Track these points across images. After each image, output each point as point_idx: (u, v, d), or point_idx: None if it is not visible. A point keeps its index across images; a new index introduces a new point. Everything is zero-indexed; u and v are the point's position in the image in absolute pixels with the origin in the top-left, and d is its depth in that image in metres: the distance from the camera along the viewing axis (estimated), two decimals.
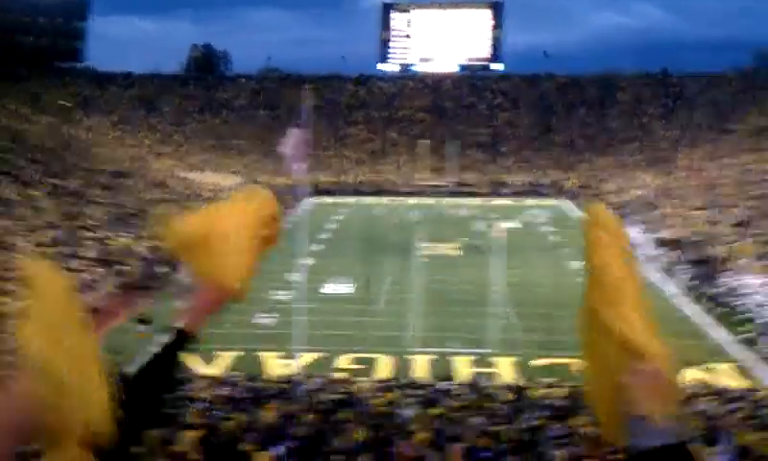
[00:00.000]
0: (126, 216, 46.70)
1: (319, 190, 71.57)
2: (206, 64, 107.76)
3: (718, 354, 27.63)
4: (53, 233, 39.07)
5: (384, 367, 26.88)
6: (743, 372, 25.95)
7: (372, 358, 27.61)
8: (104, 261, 36.88)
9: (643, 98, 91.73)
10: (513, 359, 27.41)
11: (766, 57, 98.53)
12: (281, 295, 35.73)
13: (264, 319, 32.68)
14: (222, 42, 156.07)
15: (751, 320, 30.37)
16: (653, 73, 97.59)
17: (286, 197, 64.68)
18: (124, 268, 37.16)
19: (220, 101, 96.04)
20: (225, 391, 21.41)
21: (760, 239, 41.52)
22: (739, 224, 46.16)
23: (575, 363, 26.92)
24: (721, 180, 57.55)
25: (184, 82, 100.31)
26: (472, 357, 27.80)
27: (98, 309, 31.00)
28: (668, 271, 40.90)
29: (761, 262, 37.87)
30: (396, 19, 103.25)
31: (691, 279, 37.68)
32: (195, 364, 26.65)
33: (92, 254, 37.56)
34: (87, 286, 32.68)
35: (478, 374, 25.49)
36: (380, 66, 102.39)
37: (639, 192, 62.31)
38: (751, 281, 34.98)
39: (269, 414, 17.50)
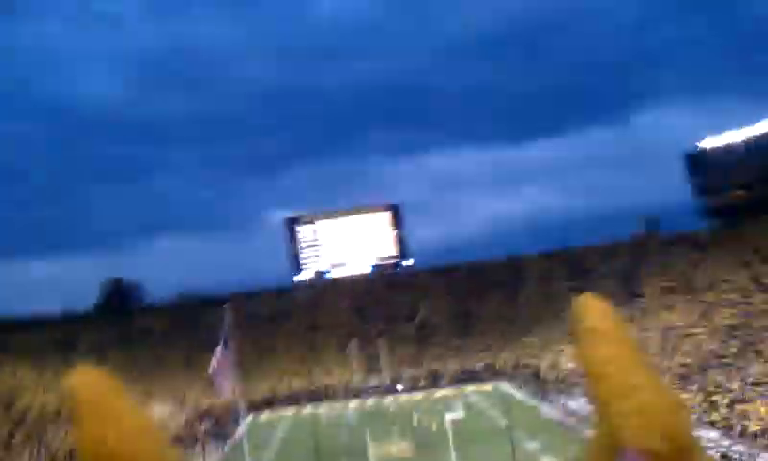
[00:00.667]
0: None
1: (255, 406, 70.05)
2: (120, 298, 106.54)
3: None
4: None
5: None
6: None
7: None
8: None
9: (551, 275, 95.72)
10: None
11: (655, 222, 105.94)
12: None
13: None
14: (132, 273, 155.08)
15: None
16: (553, 251, 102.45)
17: (223, 419, 63.02)
18: None
19: (138, 332, 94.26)
20: None
21: (705, 390, 43.08)
22: (682, 378, 47.86)
23: None
24: (646, 342, 59.93)
25: (99, 318, 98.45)
26: None
27: None
28: None
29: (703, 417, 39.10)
30: (302, 231, 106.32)
31: None
32: None
33: None
34: None
35: None
36: (296, 278, 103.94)
37: (572, 365, 63.74)
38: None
39: None
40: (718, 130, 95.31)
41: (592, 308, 1.62)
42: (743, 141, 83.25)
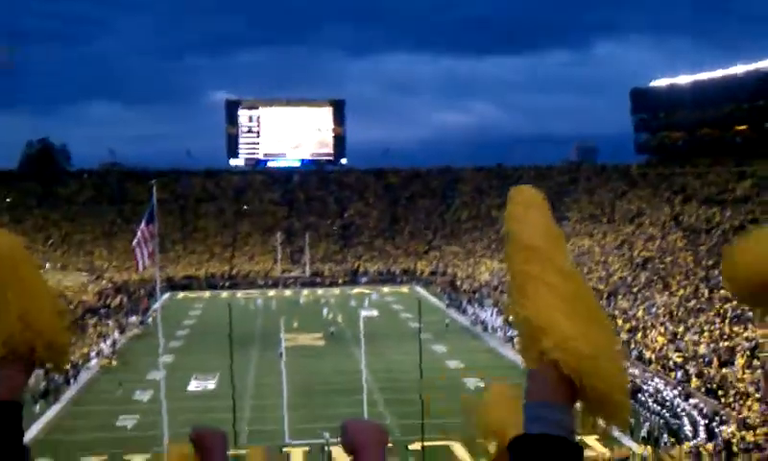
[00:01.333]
0: None
1: (172, 285, 69.81)
2: (44, 159, 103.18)
3: None
4: None
5: None
6: (607, 438, 27.60)
7: (244, 454, 26.92)
8: None
9: (482, 189, 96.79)
10: (390, 446, 27.64)
11: (588, 150, 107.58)
12: (144, 395, 34.50)
13: (127, 421, 31.31)
14: (60, 138, 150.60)
15: None
16: (489, 166, 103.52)
17: (140, 293, 62.71)
18: None
19: (60, 196, 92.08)
20: None
21: (610, 315, 44.50)
22: None
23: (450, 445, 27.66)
24: None
25: (20, 177, 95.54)
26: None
27: None
28: None
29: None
30: (243, 115, 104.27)
31: None
32: None
33: None
34: None
35: None
36: (232, 161, 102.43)
37: (488, 277, 65.27)
38: None
39: None
40: (674, 71, 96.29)
41: (527, 198, 1.56)
42: (690, 83, 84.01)
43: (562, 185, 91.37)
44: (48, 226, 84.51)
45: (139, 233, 28.31)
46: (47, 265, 66.22)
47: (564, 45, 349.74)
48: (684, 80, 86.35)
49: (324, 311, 57.84)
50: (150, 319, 53.42)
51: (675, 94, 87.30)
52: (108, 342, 46.60)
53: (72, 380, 37.59)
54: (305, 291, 69.23)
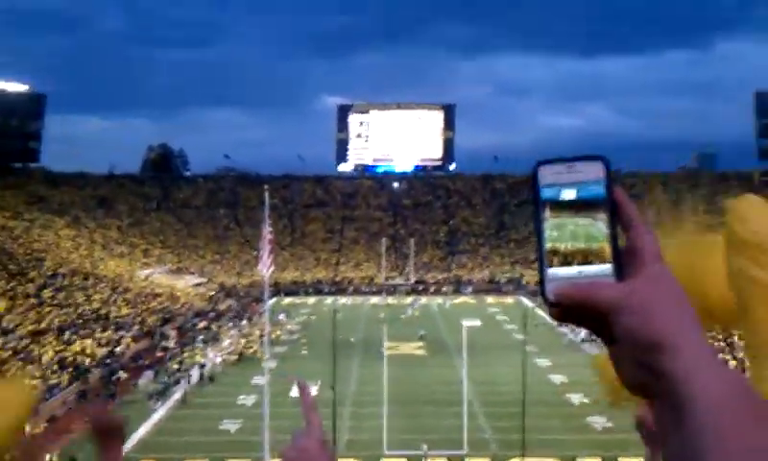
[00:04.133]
0: (85, 320, 45.65)
1: (279, 290, 71.20)
2: (163, 164, 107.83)
3: None
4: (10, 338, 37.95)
5: None
6: None
7: None
8: (63, 367, 35.84)
9: None
10: (488, 460, 27.15)
11: (707, 156, 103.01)
12: (248, 400, 35.20)
13: (231, 424, 31.96)
14: (178, 142, 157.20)
15: None
16: None
17: (247, 299, 64.30)
18: (85, 373, 36.18)
19: (177, 201, 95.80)
20: None
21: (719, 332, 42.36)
22: None
23: None
24: None
25: (141, 181, 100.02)
26: (446, 459, 27.44)
27: (57, 417, 30.01)
28: None
29: (722, 355, 38.55)
30: (353, 120, 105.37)
31: None
32: None
33: (51, 358, 36.50)
34: (47, 391, 31.67)
35: None
36: (340, 167, 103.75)
37: None
38: None
39: None
40: None
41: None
42: None
43: (679, 193, 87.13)
44: (165, 229, 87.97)
45: (264, 237, 29.00)
46: (161, 269, 68.79)
47: (683, 45, 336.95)
48: None
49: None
50: (255, 323, 54.43)
51: None
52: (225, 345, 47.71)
53: (183, 381, 38.78)
54: (409, 299, 69.16)
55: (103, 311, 48.20)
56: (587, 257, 0.82)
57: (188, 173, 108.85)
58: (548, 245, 0.84)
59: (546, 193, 0.85)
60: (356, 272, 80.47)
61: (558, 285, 0.81)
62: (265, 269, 29.16)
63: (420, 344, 49.30)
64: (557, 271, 0.83)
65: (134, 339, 44.49)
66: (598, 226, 0.83)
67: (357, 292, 74.50)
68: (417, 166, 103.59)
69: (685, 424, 0.70)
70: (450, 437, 28.60)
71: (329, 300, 69.63)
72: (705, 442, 0.68)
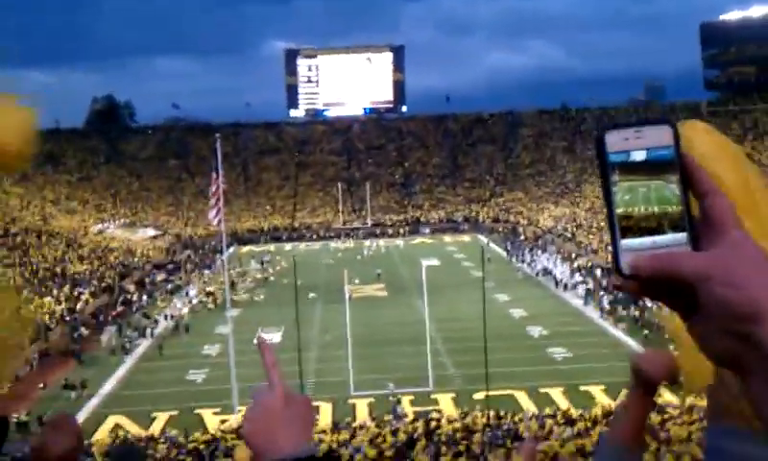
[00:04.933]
0: (41, 278, 44.96)
1: (237, 239, 70.87)
2: (109, 116, 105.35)
3: None
4: None
5: (324, 413, 26.70)
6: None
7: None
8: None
9: (545, 133, 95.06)
10: (453, 395, 27.80)
11: (656, 89, 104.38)
12: (212, 349, 35.32)
13: (197, 375, 32.10)
14: (123, 93, 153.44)
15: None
16: (552, 108, 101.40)
17: (205, 249, 63.93)
18: (46, 332, 35.80)
19: (126, 153, 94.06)
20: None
21: None
22: None
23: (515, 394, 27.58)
24: None
25: (87, 135, 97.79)
26: (412, 396, 27.99)
27: (21, 377, 29.73)
28: (587, 296, 42.43)
29: None
30: (302, 65, 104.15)
31: (610, 303, 39.09)
32: (132, 427, 26.06)
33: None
34: None
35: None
36: (291, 113, 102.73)
37: (551, 223, 64.37)
38: None
39: None
40: (745, 3, 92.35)
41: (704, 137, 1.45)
42: (763, 16, 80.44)
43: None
44: (116, 182, 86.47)
45: (213, 188, 28.82)
46: (115, 223, 67.84)
47: None
48: (756, 12, 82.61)
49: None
50: (216, 272, 54.29)
51: (746, 27, 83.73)
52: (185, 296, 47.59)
53: (148, 334, 38.73)
54: (367, 242, 69.48)
55: (59, 268, 47.50)
56: (661, 225, 0.80)
57: (136, 124, 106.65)
58: (620, 210, 0.81)
59: (614, 158, 0.83)
60: (313, 217, 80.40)
61: (635, 256, 0.79)
62: (215, 219, 29.08)
63: (382, 285, 49.77)
64: (631, 242, 0.80)
65: (93, 295, 44.02)
66: (671, 189, 0.81)
67: (315, 237, 74.57)
68: (368, 109, 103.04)
69: None
70: (415, 375, 29.16)
71: (288, 246, 69.64)
72: None
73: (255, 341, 1.54)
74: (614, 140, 0.83)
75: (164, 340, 37.76)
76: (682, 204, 0.81)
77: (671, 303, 0.80)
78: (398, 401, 27.05)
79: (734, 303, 0.73)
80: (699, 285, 0.75)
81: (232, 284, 50.99)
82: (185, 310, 43.84)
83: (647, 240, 0.80)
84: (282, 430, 1.26)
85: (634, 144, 0.83)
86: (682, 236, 0.80)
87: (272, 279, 53.89)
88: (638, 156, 0.82)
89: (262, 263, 58.06)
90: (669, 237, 0.80)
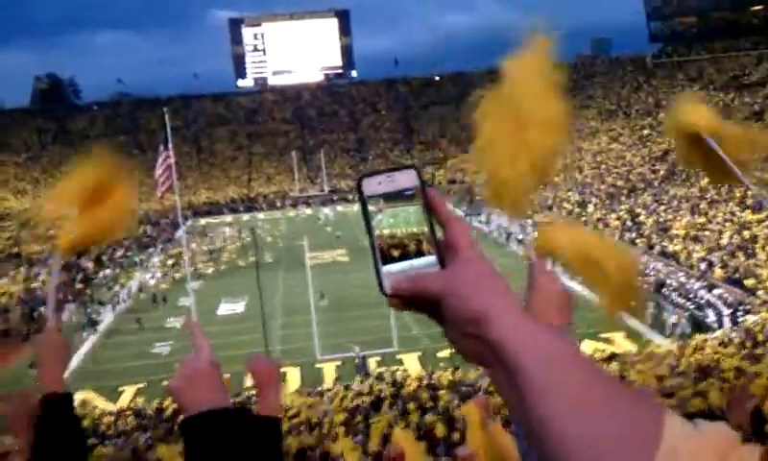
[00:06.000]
0: None
1: (194, 212, 70.33)
2: (54, 94, 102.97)
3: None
4: None
5: (292, 379, 27.03)
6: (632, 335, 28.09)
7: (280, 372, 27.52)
8: None
9: None
10: (419, 354, 28.31)
11: (602, 42, 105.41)
12: (176, 322, 35.23)
13: (162, 348, 32.10)
14: (66, 71, 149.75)
15: None
16: (500, 67, 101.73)
17: (162, 223, 63.34)
18: (4, 313, 35.43)
19: (74, 131, 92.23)
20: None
21: (623, 214, 44.76)
22: (607, 201, 49.46)
23: None
24: (580, 163, 61.16)
25: (32, 114, 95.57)
26: (378, 358, 28.45)
27: None
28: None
29: (627, 235, 40.86)
30: (247, 34, 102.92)
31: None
32: (102, 402, 26.08)
33: None
34: None
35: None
36: (240, 82, 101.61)
37: None
38: None
39: None
40: None
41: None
42: None
43: (576, 82, 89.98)
44: (65, 161, 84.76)
45: (159, 160, 28.62)
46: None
47: None
48: None
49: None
50: (175, 246, 53.96)
51: None
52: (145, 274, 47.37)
53: (109, 310, 38.60)
54: (325, 209, 69.57)
55: (14, 250, 46.77)
56: (414, 251, 0.94)
57: (81, 101, 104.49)
58: (379, 243, 0.95)
59: (371, 201, 0.96)
60: (269, 187, 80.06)
61: (393, 279, 0.92)
62: (159, 191, 28.98)
63: (342, 251, 50.04)
64: (390, 267, 0.94)
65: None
66: (419, 223, 0.96)
67: (272, 207, 74.34)
68: (321, 77, 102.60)
69: (514, 384, 0.82)
70: (380, 337, 29.61)
71: (246, 217, 69.35)
72: (529, 397, 0.80)
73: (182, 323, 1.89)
74: (370, 185, 0.96)
75: (141, 313, 37.66)
76: (428, 232, 0.94)
77: (430, 314, 0.92)
78: (364, 363, 27.49)
79: (464, 312, 0.87)
80: (440, 299, 0.88)
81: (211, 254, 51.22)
82: (153, 281, 43.96)
83: (405, 264, 0.93)
84: (203, 389, 1.50)
85: (385, 188, 0.96)
86: (432, 259, 0.93)
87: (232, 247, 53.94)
88: (390, 199, 0.96)
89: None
90: (423, 260, 0.94)
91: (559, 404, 0.78)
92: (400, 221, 0.97)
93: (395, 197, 0.96)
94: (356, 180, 0.97)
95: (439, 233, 0.95)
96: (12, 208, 58.59)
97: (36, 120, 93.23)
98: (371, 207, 0.96)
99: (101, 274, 46.49)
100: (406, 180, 0.97)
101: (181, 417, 1.49)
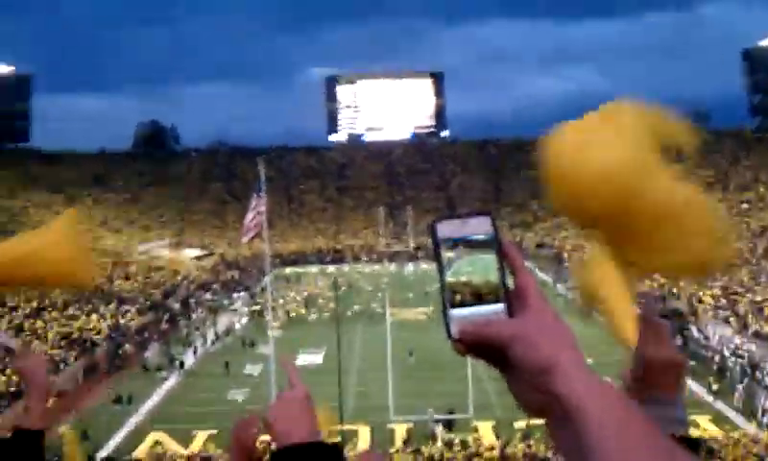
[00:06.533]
0: (87, 296, 45.77)
1: (282, 261, 71.32)
2: (155, 140, 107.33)
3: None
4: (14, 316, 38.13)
5: (362, 437, 26.66)
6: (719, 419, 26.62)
7: (352, 430, 27.22)
8: (71, 342, 36.09)
9: None
10: (493, 422, 27.52)
11: (704, 116, 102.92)
12: (254, 369, 35.50)
13: (238, 394, 32.31)
14: (168, 118, 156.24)
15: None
16: None
17: (249, 270, 64.49)
18: (91, 348, 36.46)
19: (172, 176, 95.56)
20: None
21: (719, 291, 42.95)
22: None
23: None
24: None
25: (134, 157, 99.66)
26: (451, 422, 27.82)
27: (66, 392, 30.29)
28: None
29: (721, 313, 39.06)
30: (342, 91, 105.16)
31: None
32: (174, 445, 26.29)
33: (58, 335, 36.74)
34: (56, 367, 31.93)
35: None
36: (331, 138, 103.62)
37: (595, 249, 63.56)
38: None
39: None
40: None
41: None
42: None
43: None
44: (161, 204, 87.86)
45: (251, 205, 29.25)
46: (160, 242, 68.81)
47: (666, 6, 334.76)
48: None
49: (433, 286, 58.77)
50: (259, 294, 54.64)
51: None
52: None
53: (192, 353, 39.25)
54: (410, 266, 69.45)
55: (105, 287, 48.34)
56: (483, 297, 0.94)
57: (180, 147, 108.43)
58: (449, 287, 0.94)
59: (444, 246, 0.96)
60: (355, 240, 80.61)
61: (460, 323, 0.92)
62: (246, 237, 29.40)
63: (423, 309, 49.62)
64: (458, 311, 0.93)
65: (139, 313, 44.70)
66: (491, 271, 0.95)
67: (357, 260, 74.67)
68: (410, 134, 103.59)
69: (575, 439, 0.82)
70: (456, 401, 28.96)
71: (331, 268, 69.80)
72: (591, 453, 0.80)
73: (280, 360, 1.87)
74: (444, 229, 0.97)
75: (228, 356, 38.17)
76: (500, 279, 0.94)
77: (494, 362, 0.93)
78: (433, 432, 26.88)
79: (532, 361, 0.87)
80: (507, 347, 0.89)
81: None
82: (239, 325, 44.82)
83: (473, 310, 0.93)
84: (297, 421, 1.50)
85: (459, 232, 0.96)
86: (500, 306, 0.93)
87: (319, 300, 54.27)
88: (464, 244, 0.96)
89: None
90: (491, 307, 0.93)
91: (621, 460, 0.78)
92: (473, 268, 0.95)
93: (469, 243, 0.96)
94: (431, 223, 0.97)
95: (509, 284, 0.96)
96: (107, 246, 60.74)
97: (136, 163, 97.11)
98: (444, 252, 0.96)
99: (188, 316, 47.47)
100: (480, 226, 0.97)
101: (274, 446, 1.49)
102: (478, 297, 0.94)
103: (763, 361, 32.56)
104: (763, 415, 27.59)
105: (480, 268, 0.95)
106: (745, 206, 62.92)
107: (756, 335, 36.16)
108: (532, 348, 0.89)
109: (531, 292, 0.94)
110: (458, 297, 0.94)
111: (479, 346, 0.92)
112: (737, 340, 35.46)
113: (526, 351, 0.89)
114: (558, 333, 0.91)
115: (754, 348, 34.33)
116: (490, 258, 0.95)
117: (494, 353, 0.92)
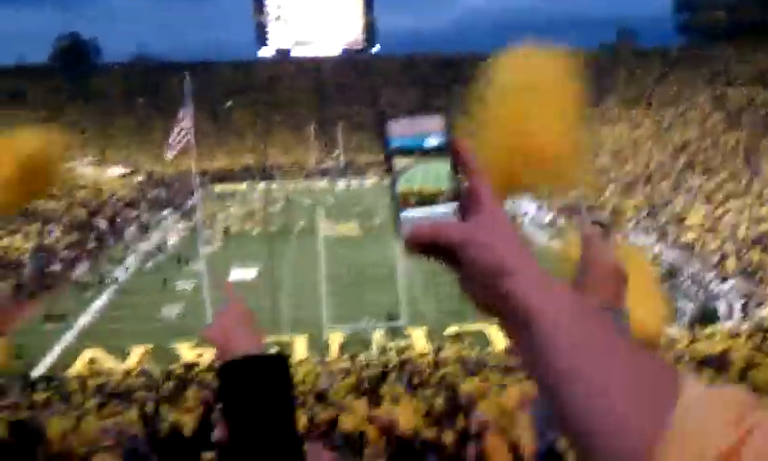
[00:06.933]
0: (10, 217, 44.52)
1: (210, 178, 70.35)
2: (75, 54, 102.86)
3: None
4: None
5: (299, 347, 27.09)
6: None
7: (287, 342, 27.57)
8: None
9: None
10: (426, 329, 28.30)
11: (630, 33, 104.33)
12: (187, 285, 35.40)
13: (171, 310, 32.26)
14: (88, 31, 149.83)
15: None
16: None
17: (176, 187, 63.49)
18: (17, 268, 35.68)
19: (93, 91, 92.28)
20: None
21: (640, 202, 44.41)
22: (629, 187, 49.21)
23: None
24: (599, 151, 60.83)
25: (52, 72, 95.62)
26: (383, 331, 28.48)
27: None
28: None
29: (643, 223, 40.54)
30: (270, 3, 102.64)
31: None
32: (110, 361, 26.25)
33: None
34: None
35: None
36: (260, 52, 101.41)
37: None
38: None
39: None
40: None
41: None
42: None
43: (599, 70, 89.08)
44: (82, 121, 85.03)
45: (177, 123, 28.72)
46: (83, 160, 67.00)
47: None
48: None
49: (364, 201, 59.47)
50: (188, 212, 54.10)
51: None
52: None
53: (124, 270, 38.89)
54: (341, 182, 69.50)
55: (27, 206, 46.96)
56: (434, 199, 0.91)
57: (102, 62, 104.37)
58: (400, 188, 0.91)
59: (395, 143, 0.93)
60: (285, 157, 79.94)
61: (411, 226, 0.89)
62: (171, 152, 29.06)
63: (354, 225, 49.96)
64: (409, 212, 0.90)
65: (64, 232, 43.75)
66: (444, 177, 0.91)
67: (287, 176, 74.24)
68: (342, 51, 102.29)
69: (530, 339, 0.82)
70: (389, 310, 29.60)
71: (261, 185, 69.25)
72: (546, 352, 0.80)
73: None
74: (395, 127, 0.94)
75: (161, 273, 37.93)
76: (452, 181, 0.92)
77: (447, 263, 0.90)
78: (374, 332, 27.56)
79: (484, 263, 0.86)
80: (458, 249, 0.87)
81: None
82: (171, 242, 44.42)
83: (425, 211, 0.90)
84: (239, 334, 1.53)
85: (411, 131, 0.94)
86: (451, 208, 0.91)
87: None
88: (414, 144, 0.93)
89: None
90: (441, 209, 0.90)
91: (577, 357, 0.78)
92: (426, 175, 0.92)
93: (423, 150, 0.93)
94: (380, 116, 0.95)
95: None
96: None
97: (55, 78, 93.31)
98: (396, 159, 0.93)
99: (116, 233, 46.72)
100: (433, 124, 0.95)
101: (218, 362, 1.50)
102: (429, 197, 0.91)
103: (681, 268, 34.18)
104: (681, 318, 29.09)
105: (433, 175, 0.92)
106: (668, 122, 64.66)
107: (675, 243, 37.81)
108: (484, 250, 0.87)
109: (484, 195, 0.91)
110: (409, 196, 0.91)
111: (430, 247, 0.89)
112: (656, 249, 36.99)
113: (478, 254, 0.86)
114: (510, 236, 0.89)
115: (672, 255, 35.93)
116: (443, 165, 0.93)
117: (446, 254, 0.89)
